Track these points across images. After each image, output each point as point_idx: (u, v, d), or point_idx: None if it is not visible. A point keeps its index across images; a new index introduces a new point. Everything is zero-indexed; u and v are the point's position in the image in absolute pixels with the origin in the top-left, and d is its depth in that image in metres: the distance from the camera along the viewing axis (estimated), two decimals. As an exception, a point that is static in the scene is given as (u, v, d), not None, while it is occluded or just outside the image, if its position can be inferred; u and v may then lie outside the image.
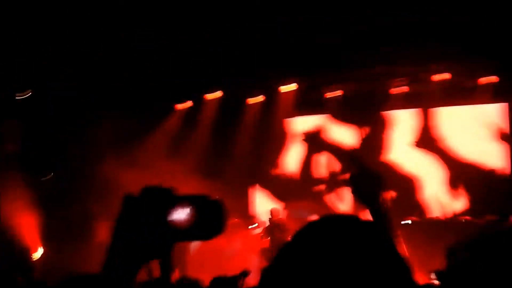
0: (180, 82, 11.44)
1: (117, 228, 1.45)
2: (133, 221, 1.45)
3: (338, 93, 12.36)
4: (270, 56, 10.52)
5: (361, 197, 2.39)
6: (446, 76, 11.32)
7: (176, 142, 12.50)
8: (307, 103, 12.39)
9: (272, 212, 11.63)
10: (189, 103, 12.89)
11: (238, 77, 11.46)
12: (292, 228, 10.68)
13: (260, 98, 12.72)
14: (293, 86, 12.25)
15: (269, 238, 11.24)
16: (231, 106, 12.53)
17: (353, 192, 2.43)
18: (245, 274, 5.96)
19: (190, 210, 1.50)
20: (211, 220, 1.53)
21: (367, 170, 2.45)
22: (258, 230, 11.99)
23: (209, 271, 7.21)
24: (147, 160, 11.18)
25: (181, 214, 1.50)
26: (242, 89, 12.49)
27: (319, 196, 12.53)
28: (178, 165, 11.30)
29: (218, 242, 9.02)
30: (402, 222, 10.64)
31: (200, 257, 10.90)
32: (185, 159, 11.79)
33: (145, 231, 1.45)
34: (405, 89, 11.87)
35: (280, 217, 11.62)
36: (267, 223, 11.60)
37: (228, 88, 12.35)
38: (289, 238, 1.31)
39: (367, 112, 12.48)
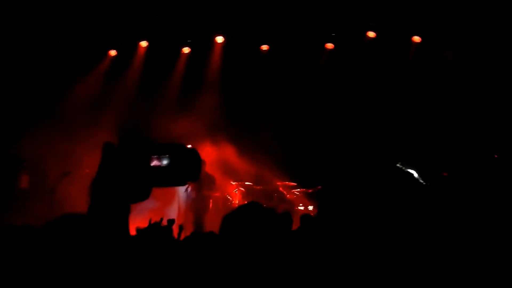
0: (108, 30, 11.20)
1: (100, 173, 1.50)
2: (114, 166, 1.50)
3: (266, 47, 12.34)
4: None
5: None
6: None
7: (102, 93, 12.20)
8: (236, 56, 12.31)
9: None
10: (114, 52, 12.57)
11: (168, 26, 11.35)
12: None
13: (187, 49, 12.60)
14: (221, 38, 12.25)
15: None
16: (160, 56, 12.28)
17: None
18: (172, 222, 6.11)
19: (168, 157, 1.56)
20: (187, 167, 1.60)
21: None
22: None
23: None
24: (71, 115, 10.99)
25: (159, 161, 1.56)
26: (170, 39, 12.27)
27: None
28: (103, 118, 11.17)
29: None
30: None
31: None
32: (110, 112, 11.63)
33: (126, 175, 1.50)
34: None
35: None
36: None
37: (157, 37, 12.10)
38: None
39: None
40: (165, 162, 1.65)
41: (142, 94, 12.11)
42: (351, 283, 2.29)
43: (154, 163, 1.64)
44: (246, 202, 9.41)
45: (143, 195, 1.61)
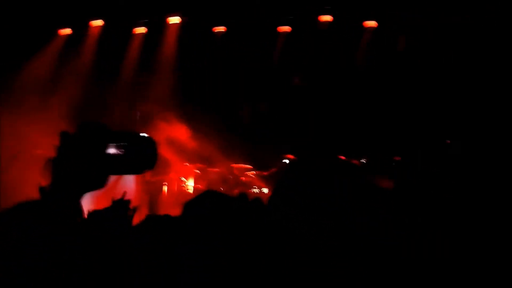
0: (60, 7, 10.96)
1: (57, 160, 1.48)
2: (71, 154, 1.48)
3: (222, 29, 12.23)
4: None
5: None
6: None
7: (54, 72, 11.95)
8: (192, 38, 12.19)
9: None
10: (68, 31, 12.31)
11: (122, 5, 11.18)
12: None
13: (143, 29, 12.43)
14: (177, 19, 12.11)
15: None
16: (115, 36, 12.10)
17: None
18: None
19: (125, 145, 1.55)
20: (144, 155, 1.59)
21: None
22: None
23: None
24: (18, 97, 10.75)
25: (116, 149, 1.55)
26: (125, 19, 12.09)
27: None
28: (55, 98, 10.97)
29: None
30: None
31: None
32: (63, 91, 11.41)
33: (82, 163, 1.49)
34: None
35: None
36: None
37: (112, 16, 11.91)
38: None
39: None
40: (121, 150, 1.64)
41: (95, 74, 11.93)
42: (343, 278, 2.32)
43: (111, 151, 1.63)
44: (200, 185, 9.43)
45: (99, 184, 1.60)
